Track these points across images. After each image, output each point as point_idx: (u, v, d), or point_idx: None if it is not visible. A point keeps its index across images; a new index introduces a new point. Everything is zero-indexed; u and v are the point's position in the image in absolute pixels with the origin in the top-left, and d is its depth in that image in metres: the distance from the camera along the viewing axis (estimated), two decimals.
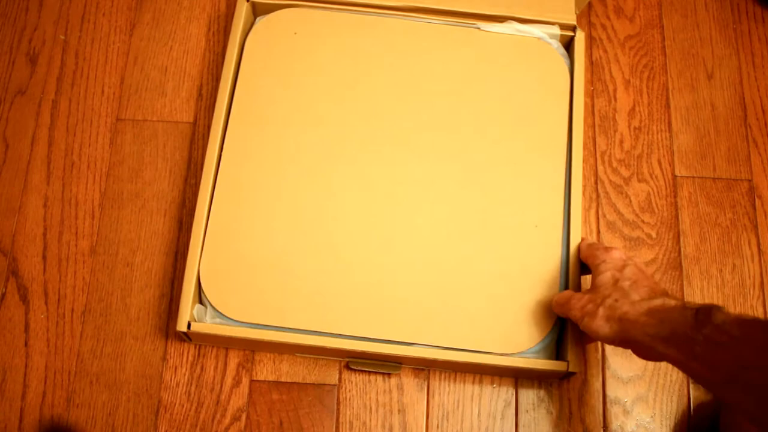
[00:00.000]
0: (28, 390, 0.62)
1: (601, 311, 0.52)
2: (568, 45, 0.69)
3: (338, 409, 0.62)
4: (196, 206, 0.61)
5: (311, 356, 0.62)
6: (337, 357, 0.62)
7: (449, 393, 0.63)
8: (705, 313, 0.44)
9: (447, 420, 0.62)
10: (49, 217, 0.67)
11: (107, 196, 0.68)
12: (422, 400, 0.62)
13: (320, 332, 0.58)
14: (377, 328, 0.58)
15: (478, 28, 0.68)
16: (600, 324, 0.51)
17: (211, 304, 0.59)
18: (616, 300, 0.51)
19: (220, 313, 0.59)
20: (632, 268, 0.54)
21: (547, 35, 0.68)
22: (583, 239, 0.61)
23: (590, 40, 0.75)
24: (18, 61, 0.72)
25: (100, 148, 0.70)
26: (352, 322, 0.59)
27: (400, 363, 0.61)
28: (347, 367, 0.62)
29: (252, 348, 0.63)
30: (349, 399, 0.62)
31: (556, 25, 0.68)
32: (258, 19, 0.69)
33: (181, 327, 0.57)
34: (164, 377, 0.63)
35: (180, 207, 0.68)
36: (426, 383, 0.63)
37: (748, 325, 0.42)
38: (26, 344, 0.63)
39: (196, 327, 0.58)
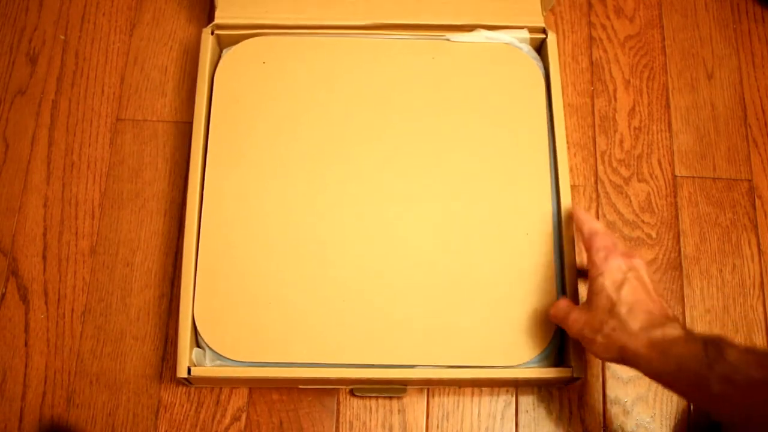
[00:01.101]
0: (28, 390, 0.62)
1: (599, 339, 0.50)
2: (540, 47, 0.69)
3: (338, 409, 0.62)
4: (183, 249, 0.59)
5: (315, 387, 0.62)
6: (341, 386, 0.62)
7: (449, 393, 0.63)
8: (715, 347, 0.44)
9: (447, 420, 0.62)
10: (49, 217, 0.67)
11: (107, 196, 0.68)
12: (422, 400, 0.62)
13: (322, 363, 0.58)
14: (379, 354, 0.58)
15: (447, 39, 0.68)
16: (599, 351, 0.51)
17: (209, 347, 0.58)
18: (614, 329, 0.49)
19: (220, 355, 0.58)
20: (631, 287, 0.51)
21: (517, 40, 0.68)
22: (579, 218, 0.57)
23: (590, 40, 0.75)
24: (18, 61, 0.72)
25: (100, 148, 0.70)
26: (353, 350, 0.58)
27: (405, 386, 0.61)
28: (352, 393, 0.62)
29: (256, 385, 0.62)
30: (349, 399, 0.62)
31: (525, 29, 0.68)
32: (224, 51, 0.68)
33: (181, 373, 0.56)
34: (164, 377, 0.63)
35: (180, 207, 0.68)
36: None
37: (765, 361, 0.42)
38: (26, 344, 0.63)
39: (196, 371, 0.56)
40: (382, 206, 0.62)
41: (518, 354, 0.58)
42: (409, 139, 0.64)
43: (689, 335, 0.47)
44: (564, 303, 0.56)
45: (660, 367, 0.46)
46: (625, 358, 0.49)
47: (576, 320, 0.53)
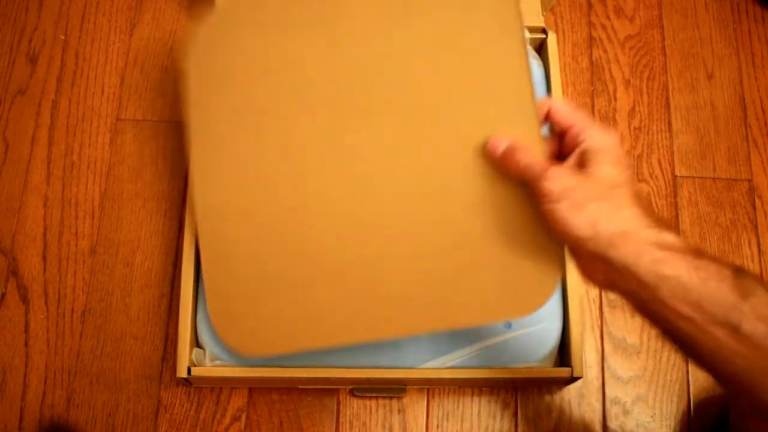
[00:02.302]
0: (28, 390, 0.62)
1: (591, 208, 0.38)
2: (540, 47, 0.68)
3: (338, 409, 0.62)
4: (183, 249, 0.59)
5: (315, 387, 0.62)
6: (341, 385, 0.62)
7: (449, 393, 0.63)
8: (749, 278, 0.35)
9: (447, 420, 0.62)
10: (49, 217, 0.67)
11: (107, 196, 0.68)
12: (422, 400, 0.62)
13: (327, 347, 0.56)
14: (381, 325, 0.56)
15: None
16: (580, 222, 0.38)
17: (224, 346, 0.58)
18: (616, 209, 0.38)
19: (222, 354, 0.58)
20: (632, 173, 0.41)
21: None
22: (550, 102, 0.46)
23: (590, 40, 0.75)
24: (18, 61, 0.72)
25: (100, 148, 0.70)
26: (355, 327, 0.57)
27: (405, 386, 0.61)
28: (351, 393, 0.62)
29: (256, 385, 0.62)
30: (349, 399, 0.62)
31: (525, 29, 0.67)
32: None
33: (181, 373, 0.56)
34: (164, 377, 0.63)
35: (180, 207, 0.68)
36: None
37: None
38: (26, 344, 0.63)
39: (196, 371, 0.57)
40: (370, 177, 0.57)
41: (523, 303, 0.53)
42: (394, 104, 0.60)
43: (710, 254, 0.37)
44: (543, 157, 0.44)
45: (672, 274, 0.36)
46: (614, 246, 0.38)
47: (563, 173, 0.40)
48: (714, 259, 0.36)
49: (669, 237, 0.37)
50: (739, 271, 0.36)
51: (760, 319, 0.34)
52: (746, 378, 0.35)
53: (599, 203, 0.39)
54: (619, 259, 0.38)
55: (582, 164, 0.41)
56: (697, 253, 0.37)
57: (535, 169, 0.42)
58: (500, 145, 0.46)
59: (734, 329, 0.34)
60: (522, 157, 0.44)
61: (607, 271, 0.39)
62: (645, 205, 0.40)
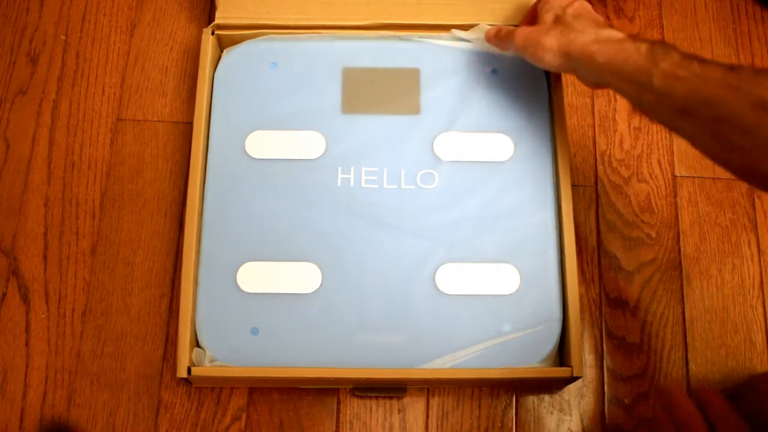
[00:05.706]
0: (29, 390, 0.62)
1: (546, 40, 0.54)
2: None
3: (338, 409, 0.62)
4: (183, 249, 0.59)
5: (315, 387, 0.62)
6: (341, 386, 0.62)
7: (449, 393, 0.63)
8: (662, 47, 0.47)
9: (447, 419, 0.62)
10: (50, 217, 0.67)
11: (108, 196, 0.68)
12: (422, 400, 0.63)
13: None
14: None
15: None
16: (544, 54, 0.54)
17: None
18: (561, 31, 0.53)
19: (222, 354, 0.58)
20: (578, 6, 0.55)
21: None
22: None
23: None
24: (19, 62, 0.72)
25: (100, 148, 0.70)
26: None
27: (405, 386, 0.61)
28: (352, 393, 0.62)
29: (256, 385, 0.62)
30: (349, 399, 0.62)
31: None
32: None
33: (181, 373, 0.56)
34: (164, 377, 0.63)
35: (181, 207, 0.68)
36: None
37: (708, 64, 0.45)
38: (27, 344, 0.64)
39: (196, 371, 0.57)
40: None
41: None
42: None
43: (637, 36, 0.50)
44: (504, 26, 0.62)
45: (604, 60, 0.49)
46: (571, 55, 0.52)
47: (522, 30, 0.57)
48: (629, 39, 0.49)
49: (603, 32, 0.51)
50: (654, 44, 0.47)
51: (667, 77, 0.46)
52: (660, 120, 0.49)
53: (548, 36, 0.54)
54: (575, 64, 0.53)
55: (537, 18, 0.58)
56: (615, 39, 0.50)
57: (504, 36, 0.61)
58: (492, 31, 0.63)
59: (650, 87, 0.47)
60: (493, 31, 0.63)
61: (575, 73, 0.54)
62: (584, 14, 0.54)
